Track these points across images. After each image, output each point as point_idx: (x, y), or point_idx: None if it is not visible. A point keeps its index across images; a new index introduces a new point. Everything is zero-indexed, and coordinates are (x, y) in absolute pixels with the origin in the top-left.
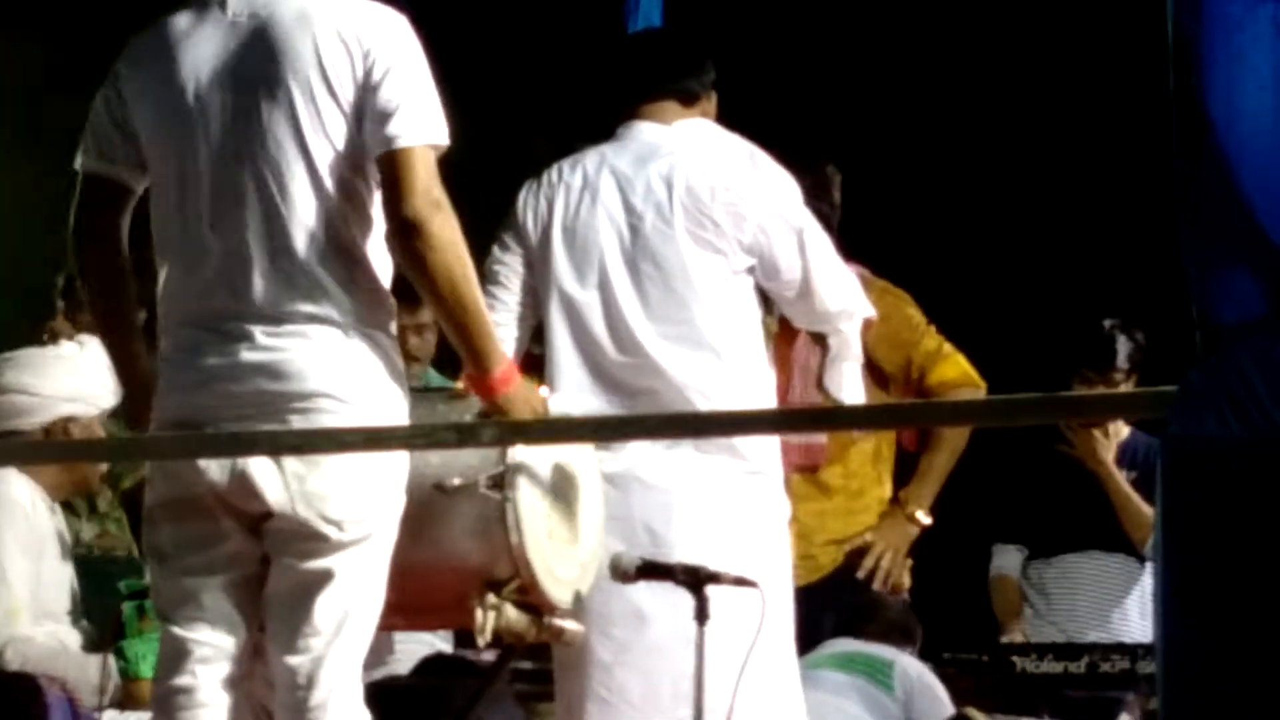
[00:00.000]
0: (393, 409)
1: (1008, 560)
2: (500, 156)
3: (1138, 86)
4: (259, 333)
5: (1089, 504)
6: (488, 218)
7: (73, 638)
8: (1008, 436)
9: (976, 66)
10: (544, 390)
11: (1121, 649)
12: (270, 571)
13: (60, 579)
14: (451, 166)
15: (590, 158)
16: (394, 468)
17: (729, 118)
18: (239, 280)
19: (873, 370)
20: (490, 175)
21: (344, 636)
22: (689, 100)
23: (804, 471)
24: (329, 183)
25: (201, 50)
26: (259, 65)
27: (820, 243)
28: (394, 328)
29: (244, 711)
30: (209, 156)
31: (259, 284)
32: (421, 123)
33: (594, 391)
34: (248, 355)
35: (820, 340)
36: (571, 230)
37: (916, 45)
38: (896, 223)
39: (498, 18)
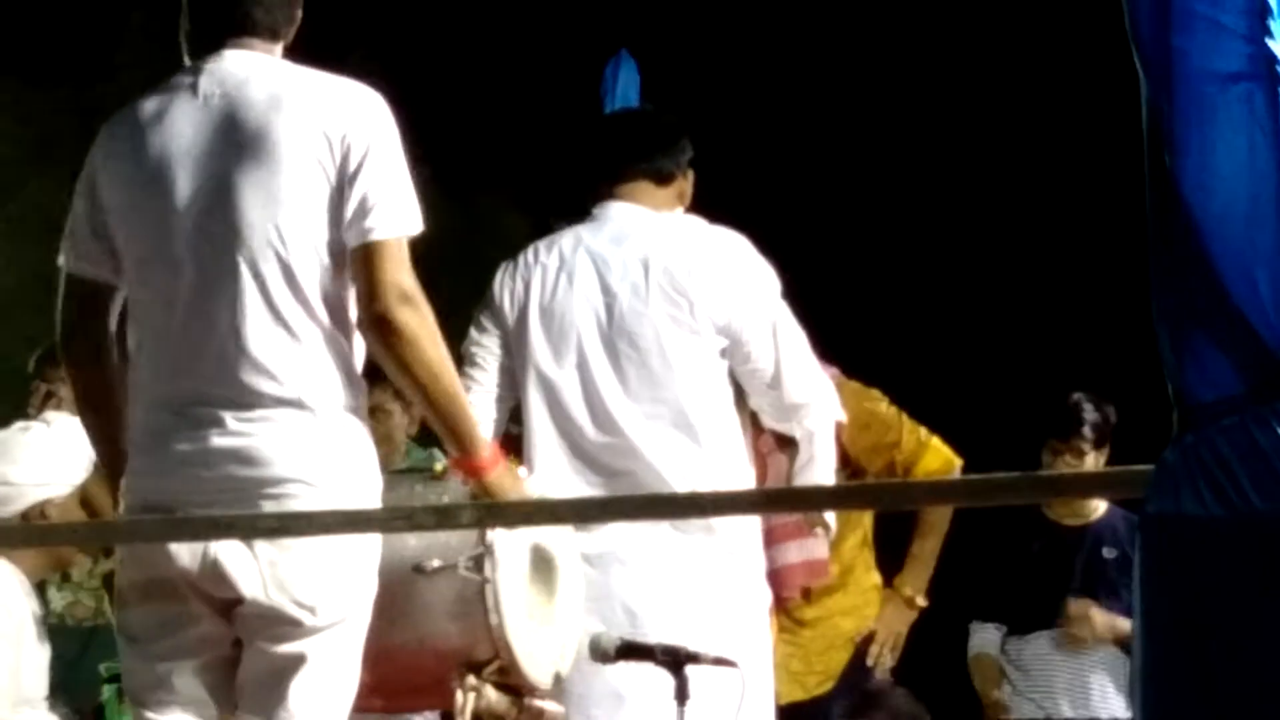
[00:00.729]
0: (365, 492)
1: (986, 638)
2: (478, 234)
3: (1115, 159)
4: (229, 418)
5: (1065, 581)
6: (466, 296)
7: (52, 718)
8: (984, 514)
9: (952, 139)
10: (522, 471)
11: None
12: (243, 656)
13: (39, 663)
14: (429, 244)
15: (566, 238)
16: (366, 551)
17: (703, 194)
18: (209, 364)
19: (857, 475)
20: (469, 252)
21: None
22: (664, 180)
23: (805, 594)
24: (302, 268)
25: (173, 133)
26: (231, 149)
27: (794, 335)
28: (364, 412)
29: None
30: (182, 240)
31: (229, 368)
32: (395, 214)
33: (573, 471)
34: (217, 440)
35: (787, 444)
36: (549, 311)
37: (890, 127)
38: (873, 304)
39: (478, 95)
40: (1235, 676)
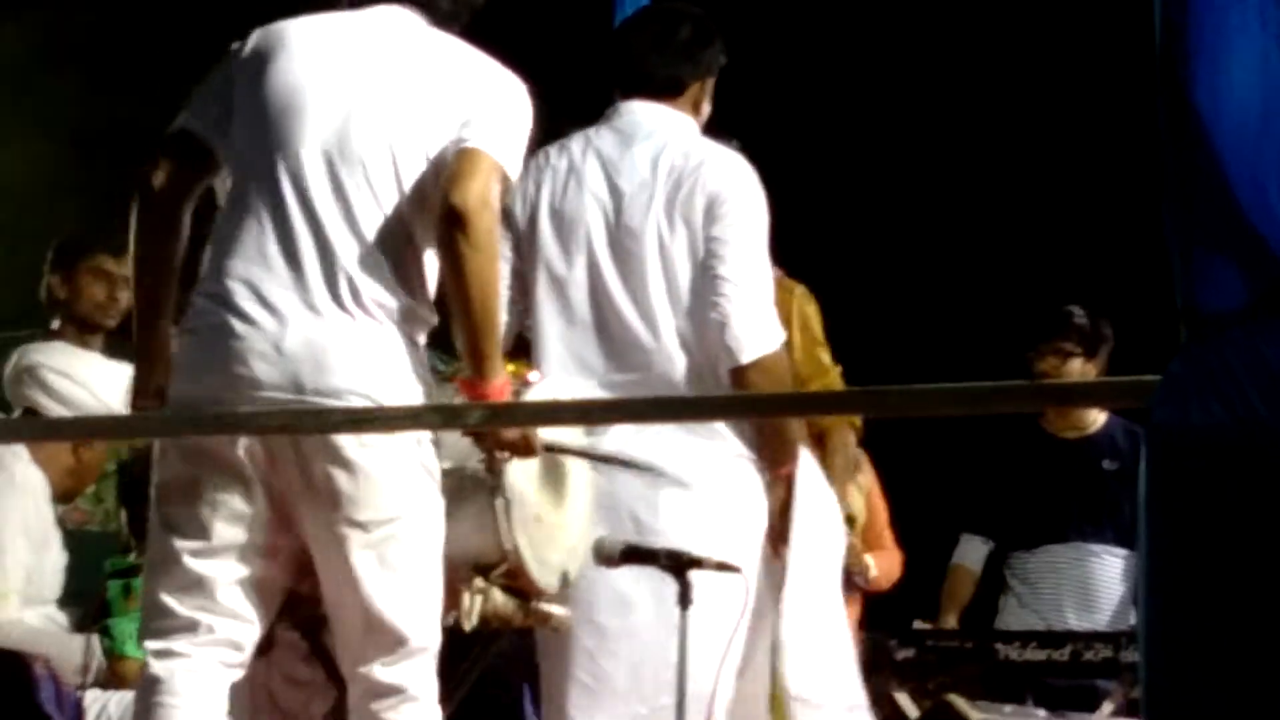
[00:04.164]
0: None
1: (970, 550)
2: None
3: (1127, 76)
4: (293, 320)
5: (1071, 494)
6: None
7: (63, 619)
8: (981, 428)
9: (953, 53)
10: (534, 375)
11: (1104, 637)
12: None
13: (56, 566)
14: None
15: (576, 141)
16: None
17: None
18: (300, 263)
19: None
20: None
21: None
22: (675, 90)
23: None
24: (409, 187)
25: (314, 54)
26: (367, 70)
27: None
28: (429, 327)
29: (245, 700)
30: (296, 149)
31: (320, 270)
32: (499, 138)
33: (581, 373)
34: (290, 338)
35: None
36: (559, 212)
37: (894, 40)
38: (878, 211)
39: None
40: (1240, 585)
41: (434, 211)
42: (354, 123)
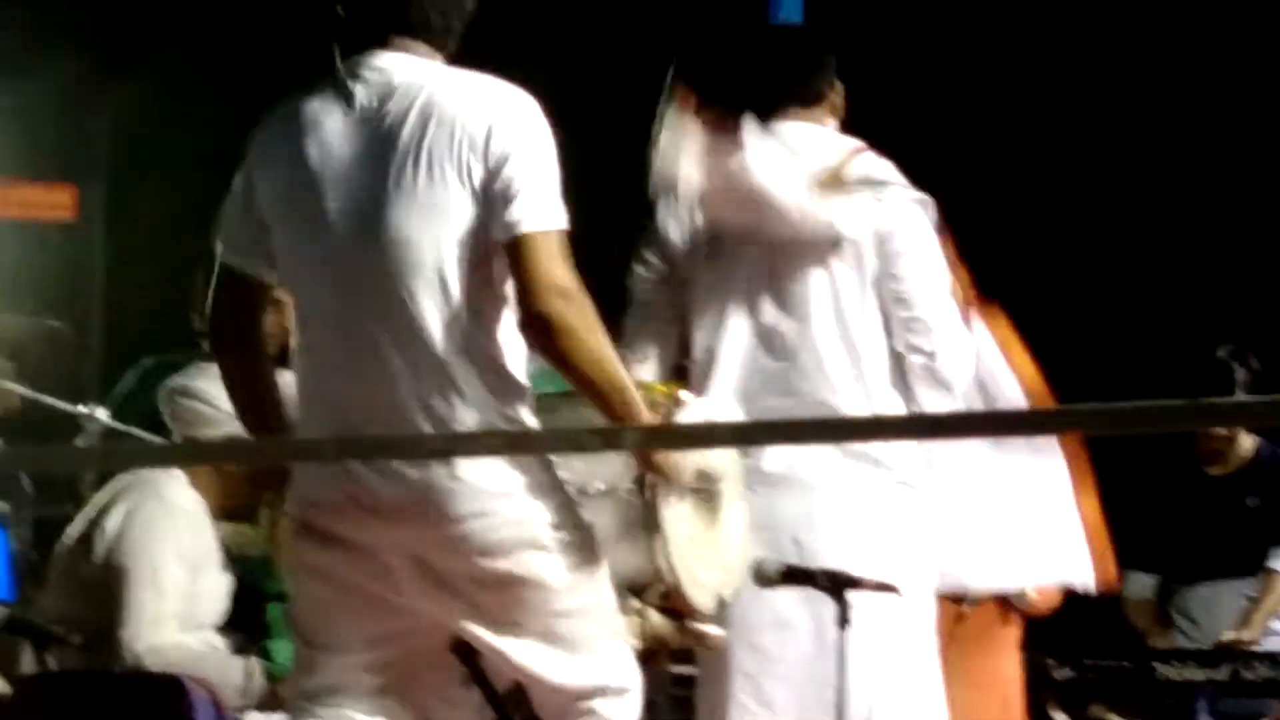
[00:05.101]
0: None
1: (1141, 583)
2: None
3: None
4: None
5: (1218, 531)
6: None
7: (222, 642)
8: (1135, 463)
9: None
10: (688, 395)
11: (1265, 657)
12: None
13: (218, 591)
14: (588, 178)
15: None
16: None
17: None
18: (371, 373)
19: None
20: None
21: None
22: (816, 100)
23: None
24: (455, 271)
25: (327, 143)
26: (383, 162)
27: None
28: (527, 406)
29: None
30: (334, 248)
31: (390, 377)
32: (541, 208)
33: (744, 396)
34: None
35: None
36: (714, 236)
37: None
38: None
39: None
40: None
41: (492, 293)
42: (380, 219)
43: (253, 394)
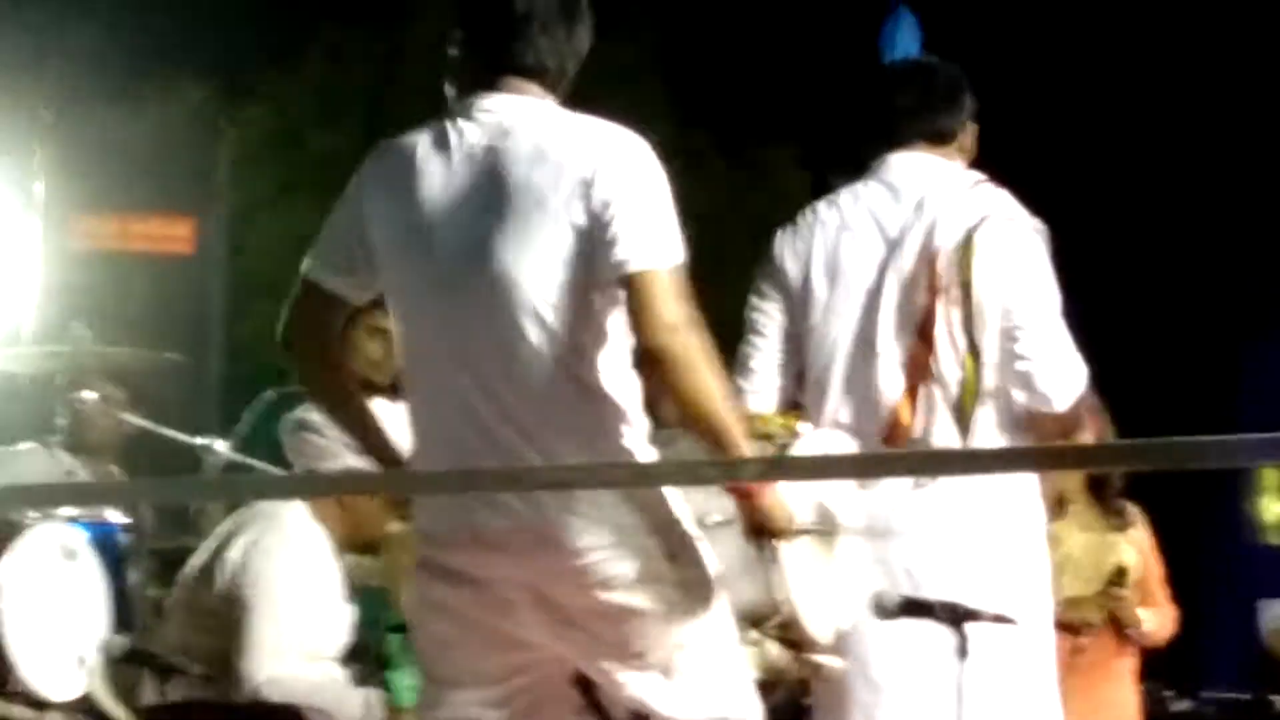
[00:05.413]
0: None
1: (1271, 612)
2: (758, 192)
3: None
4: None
5: None
6: (746, 254)
7: (342, 674)
8: None
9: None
10: (805, 426)
11: None
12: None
13: (339, 622)
14: (709, 205)
15: (845, 195)
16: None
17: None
18: (479, 407)
19: None
20: (748, 211)
21: None
22: (943, 139)
23: None
24: (562, 309)
25: (436, 182)
26: (493, 204)
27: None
28: (641, 439)
29: None
30: (442, 284)
31: (498, 412)
32: (650, 246)
33: (856, 429)
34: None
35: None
36: (832, 270)
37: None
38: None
39: (756, 54)
40: None
41: (599, 330)
42: (486, 257)
43: (338, 403)
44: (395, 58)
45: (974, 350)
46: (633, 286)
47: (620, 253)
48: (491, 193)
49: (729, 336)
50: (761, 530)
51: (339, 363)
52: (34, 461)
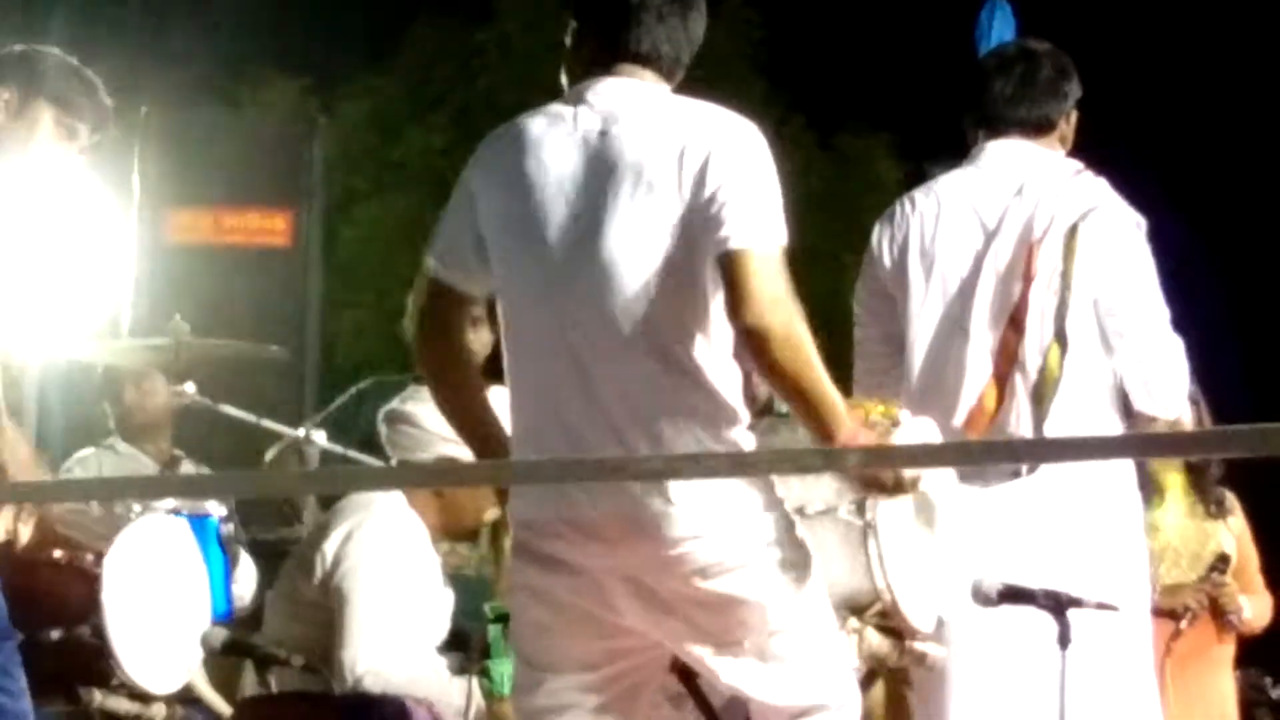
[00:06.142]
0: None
1: None
2: (851, 179)
3: None
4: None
5: None
6: (838, 238)
7: (442, 663)
8: None
9: None
10: (905, 414)
11: None
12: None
13: (438, 611)
14: (802, 190)
15: (943, 184)
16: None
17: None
18: (583, 392)
19: None
20: (841, 196)
21: None
22: (1043, 128)
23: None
24: (670, 294)
25: (549, 167)
26: (604, 188)
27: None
28: (742, 422)
29: None
30: (551, 268)
31: (602, 397)
32: (753, 225)
33: (935, 412)
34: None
35: None
36: (929, 258)
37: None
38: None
39: (851, 41)
40: None
41: (706, 312)
42: (598, 238)
43: (464, 405)
44: (486, 52)
45: (1060, 338)
46: (734, 263)
47: (725, 230)
48: (604, 178)
49: (822, 325)
50: (872, 483)
51: (467, 359)
52: (108, 460)
